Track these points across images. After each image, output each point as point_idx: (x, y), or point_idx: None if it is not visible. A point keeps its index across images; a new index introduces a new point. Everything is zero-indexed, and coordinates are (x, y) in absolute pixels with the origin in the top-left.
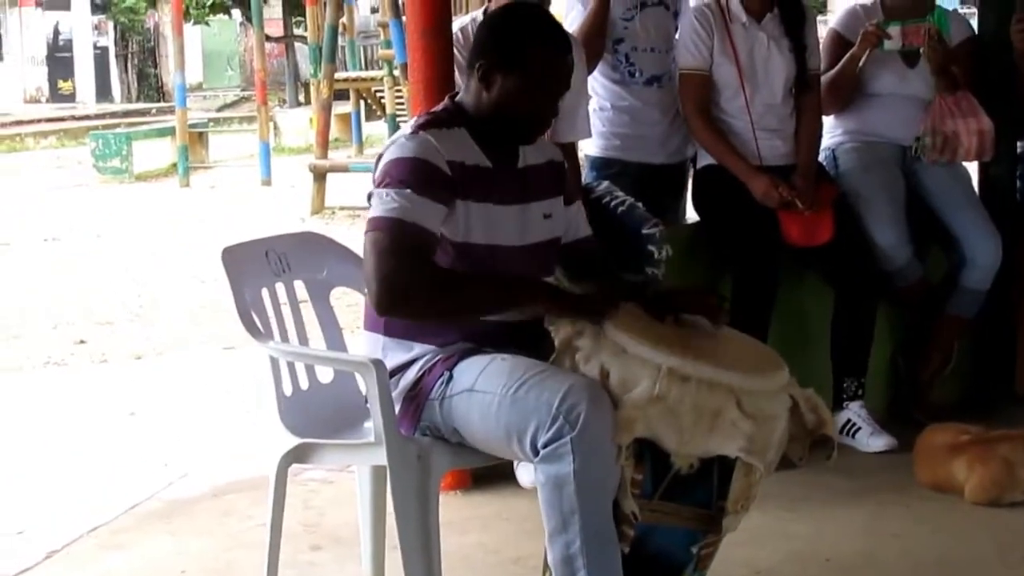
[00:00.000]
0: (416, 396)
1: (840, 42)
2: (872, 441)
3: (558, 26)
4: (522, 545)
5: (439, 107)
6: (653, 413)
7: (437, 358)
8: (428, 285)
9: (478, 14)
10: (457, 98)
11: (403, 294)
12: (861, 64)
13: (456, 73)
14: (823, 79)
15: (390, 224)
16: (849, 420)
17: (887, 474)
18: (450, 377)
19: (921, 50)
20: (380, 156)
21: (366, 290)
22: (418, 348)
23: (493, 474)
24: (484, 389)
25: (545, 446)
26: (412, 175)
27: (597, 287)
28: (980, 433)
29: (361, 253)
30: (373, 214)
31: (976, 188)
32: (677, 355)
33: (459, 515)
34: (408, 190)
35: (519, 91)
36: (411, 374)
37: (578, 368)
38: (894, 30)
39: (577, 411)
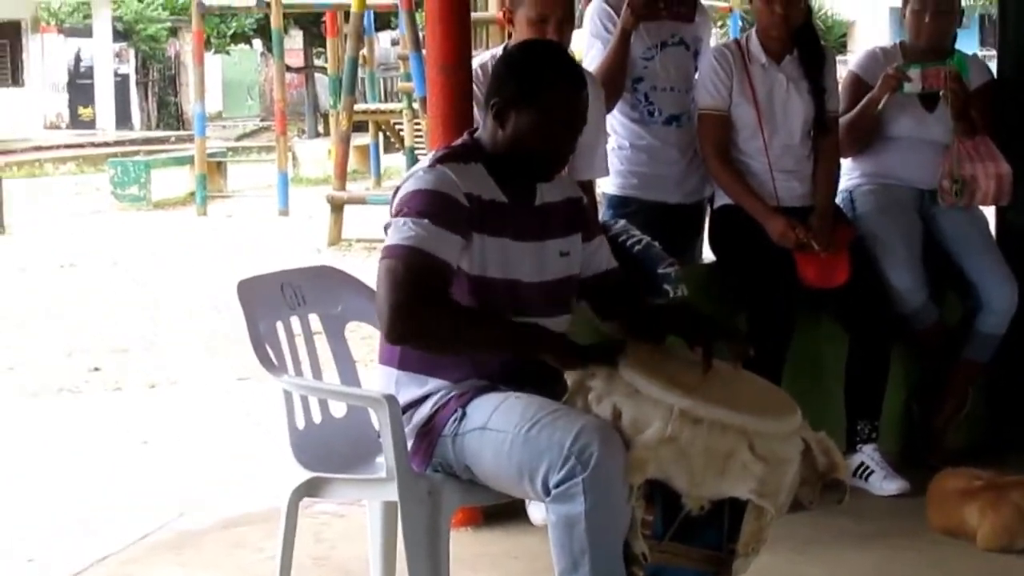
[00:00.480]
0: (429, 432)
1: (859, 84)
2: (885, 484)
3: (573, 63)
4: None
5: (457, 142)
6: (665, 454)
7: (451, 394)
8: (440, 317)
9: (498, 50)
10: (476, 134)
11: (414, 323)
12: (880, 107)
13: (475, 109)
14: (842, 121)
15: (405, 252)
16: (862, 463)
17: (899, 518)
18: (463, 414)
19: (941, 93)
20: (398, 188)
21: (378, 318)
22: (432, 383)
23: (504, 511)
24: (497, 427)
25: (557, 486)
26: (430, 206)
27: (615, 330)
28: (993, 478)
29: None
30: (389, 242)
31: (993, 233)
32: (689, 396)
33: (469, 552)
34: (425, 220)
35: (534, 128)
36: (424, 410)
37: (590, 408)
38: (914, 73)
39: (589, 451)
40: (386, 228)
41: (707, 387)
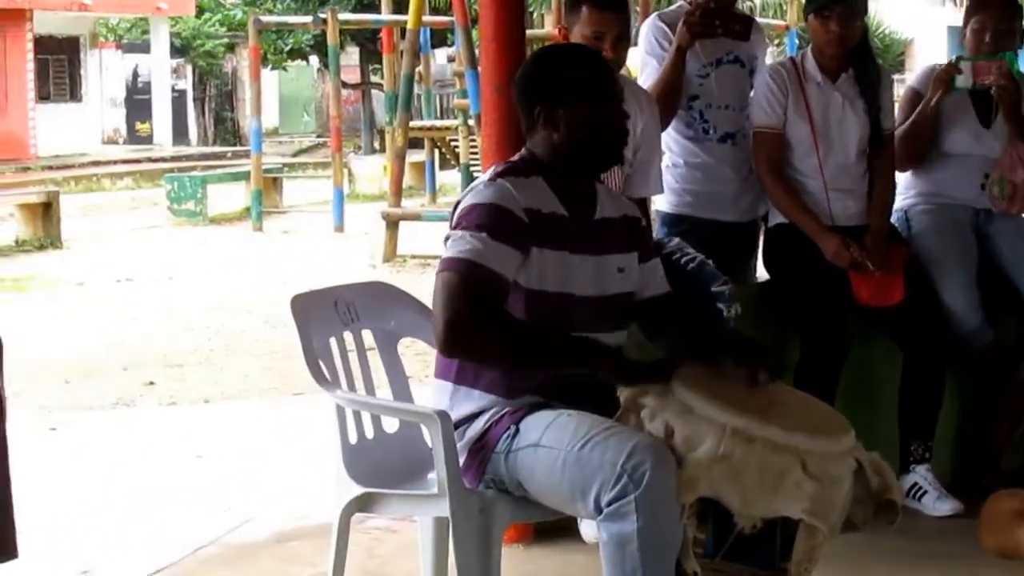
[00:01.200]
0: (482, 448)
1: (917, 99)
2: (938, 505)
3: (585, 48)
4: None
5: (516, 156)
6: (717, 473)
7: (505, 411)
8: (494, 330)
9: None
10: (529, 147)
11: (468, 336)
12: (934, 103)
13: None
14: (898, 132)
15: (462, 266)
16: (915, 483)
17: (953, 539)
18: (516, 431)
19: (993, 91)
20: (458, 203)
21: (433, 330)
22: (486, 399)
23: (556, 528)
24: (550, 445)
25: (609, 504)
26: (488, 220)
27: (665, 351)
28: None
29: (430, 303)
30: (447, 255)
31: None
32: (743, 416)
33: (521, 569)
34: (484, 234)
35: (587, 116)
36: (478, 425)
37: (643, 426)
38: (965, 66)
39: (642, 470)
40: (446, 241)
41: (760, 406)
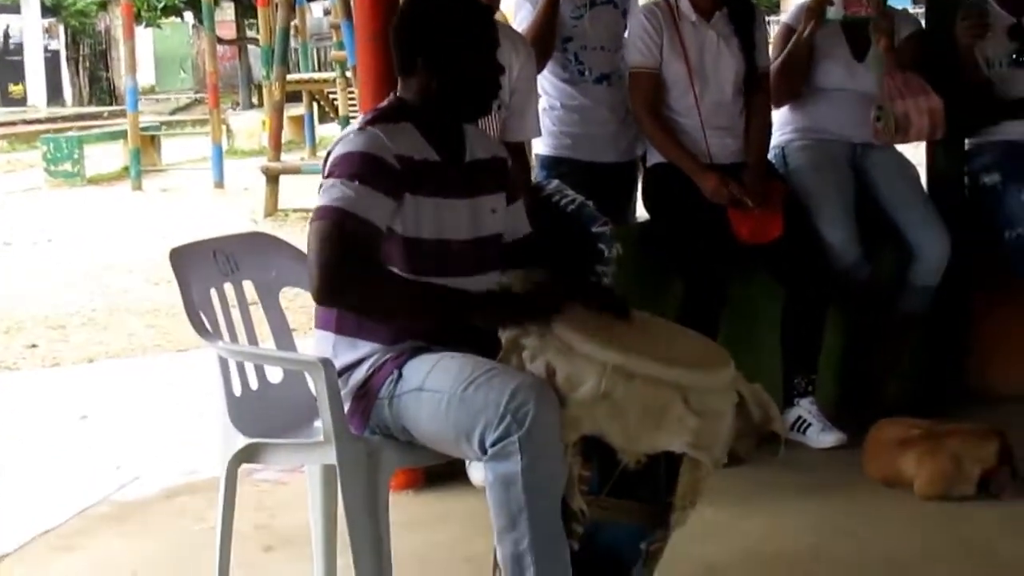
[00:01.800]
0: (365, 395)
1: (790, 35)
2: (822, 437)
3: None
4: (474, 544)
5: (384, 103)
6: (599, 411)
7: (387, 356)
8: (368, 278)
9: None
10: (399, 95)
11: (341, 283)
12: (806, 35)
13: None
14: (773, 67)
15: (335, 214)
16: (799, 416)
17: (838, 469)
18: (399, 376)
19: (870, 24)
20: (329, 151)
21: (308, 279)
22: (367, 347)
23: (445, 474)
24: (433, 388)
25: (493, 444)
26: (360, 168)
27: (543, 284)
28: (929, 427)
29: None
30: (319, 203)
31: (924, 184)
32: (622, 353)
33: (411, 515)
34: (355, 182)
35: (456, 66)
36: (360, 372)
37: (525, 366)
38: None
39: (525, 410)
40: (319, 190)
41: (640, 342)
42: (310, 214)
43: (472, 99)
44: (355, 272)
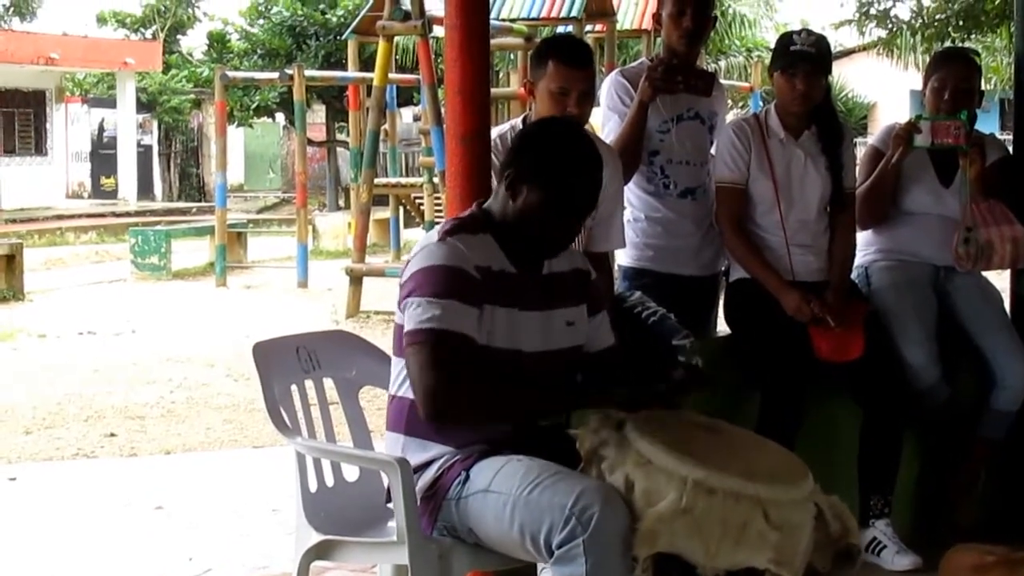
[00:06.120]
0: (434, 495)
1: (878, 158)
2: (898, 560)
3: (591, 146)
4: None
5: (465, 213)
6: (679, 527)
7: (456, 458)
8: (472, 392)
9: (517, 122)
10: (485, 204)
11: (448, 404)
12: (894, 162)
13: (493, 178)
14: (859, 191)
15: (426, 336)
16: (875, 538)
17: None
18: (467, 477)
19: (961, 150)
20: (408, 261)
21: (416, 404)
22: (437, 448)
23: None
24: (499, 490)
25: (559, 547)
26: (443, 282)
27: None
28: (1006, 554)
29: (390, 353)
30: (410, 327)
31: (1008, 308)
32: (702, 467)
33: None
34: (441, 298)
35: (542, 206)
36: (429, 473)
37: (604, 479)
38: (924, 125)
39: (590, 513)
40: (400, 305)
41: (718, 453)
42: (393, 317)
43: (540, 238)
44: (459, 391)
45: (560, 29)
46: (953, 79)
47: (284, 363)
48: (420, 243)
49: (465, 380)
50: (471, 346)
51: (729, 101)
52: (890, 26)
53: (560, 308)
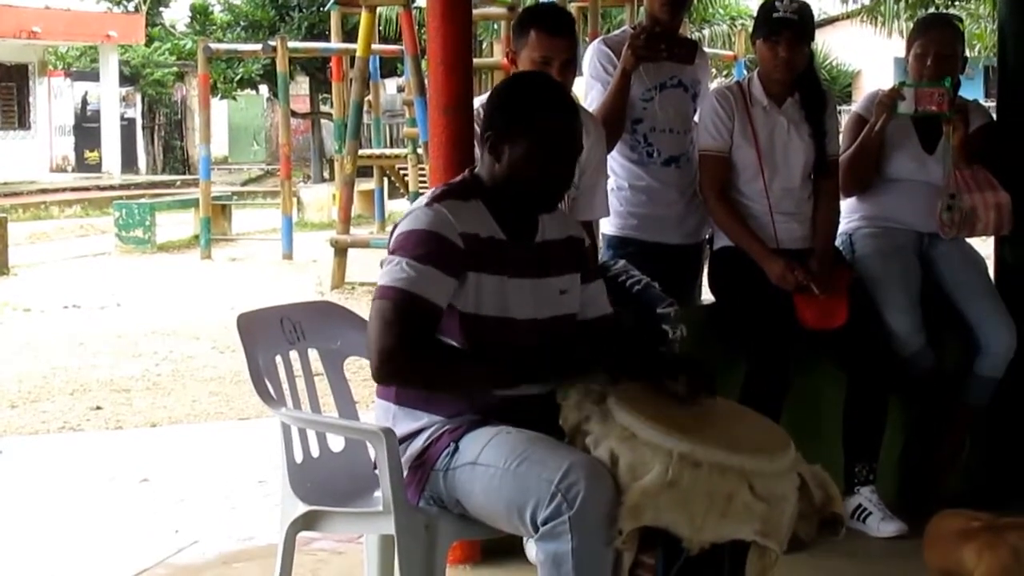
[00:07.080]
0: (422, 465)
1: (861, 124)
2: (883, 526)
3: (561, 91)
4: None
5: (456, 179)
6: (664, 500)
7: (444, 428)
8: (424, 360)
9: None
10: (475, 171)
11: (398, 366)
12: (877, 128)
13: (476, 148)
14: (842, 158)
15: (395, 294)
16: (860, 505)
17: (897, 560)
18: (455, 448)
19: (944, 116)
20: (396, 225)
21: (368, 358)
22: (426, 418)
23: (503, 549)
24: (487, 462)
25: (544, 523)
26: (424, 247)
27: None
28: (991, 520)
29: None
30: (382, 282)
31: (992, 274)
32: (687, 440)
33: None
34: (418, 262)
35: (528, 158)
36: (418, 443)
37: (589, 452)
38: (907, 92)
39: (576, 489)
40: (382, 264)
41: (701, 425)
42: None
43: (532, 193)
44: (412, 355)
45: None
46: (935, 45)
47: (268, 334)
48: (410, 207)
49: (421, 347)
50: (435, 316)
51: (713, 70)
52: None
53: (553, 276)
